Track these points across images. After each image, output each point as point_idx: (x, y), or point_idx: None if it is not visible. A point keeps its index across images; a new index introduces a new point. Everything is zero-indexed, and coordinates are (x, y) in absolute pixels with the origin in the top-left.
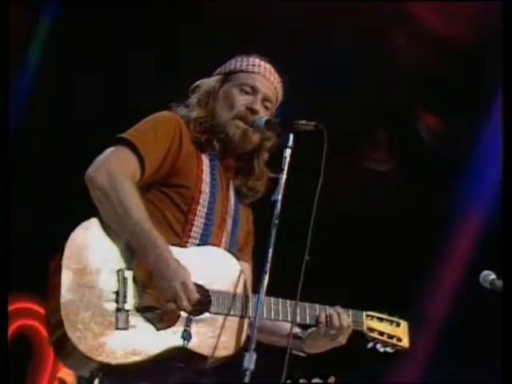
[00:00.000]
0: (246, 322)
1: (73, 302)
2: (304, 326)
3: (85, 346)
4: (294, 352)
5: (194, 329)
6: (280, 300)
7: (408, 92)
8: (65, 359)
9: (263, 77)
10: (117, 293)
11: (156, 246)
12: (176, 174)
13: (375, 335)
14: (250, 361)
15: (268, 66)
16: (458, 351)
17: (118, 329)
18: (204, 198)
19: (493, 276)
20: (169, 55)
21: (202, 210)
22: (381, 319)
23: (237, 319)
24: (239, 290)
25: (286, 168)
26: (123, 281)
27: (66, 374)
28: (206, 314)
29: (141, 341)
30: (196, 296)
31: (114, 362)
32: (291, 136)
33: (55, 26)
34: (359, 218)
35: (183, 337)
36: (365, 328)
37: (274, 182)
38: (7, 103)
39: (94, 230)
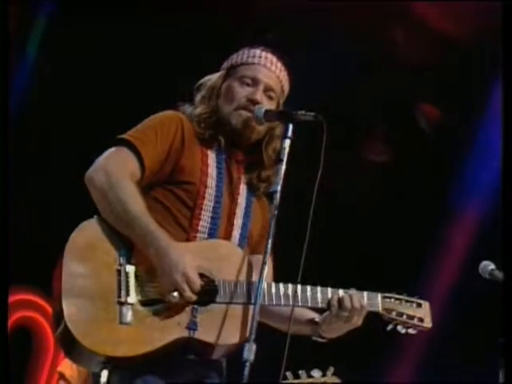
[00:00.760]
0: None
1: (75, 301)
2: (321, 311)
3: (89, 340)
4: (313, 338)
5: (200, 318)
6: (289, 285)
7: (407, 86)
8: (72, 356)
9: (264, 67)
10: (119, 287)
11: (155, 238)
12: (180, 171)
13: (393, 316)
14: (249, 352)
15: (270, 55)
16: (457, 346)
17: (121, 323)
18: (210, 193)
19: (492, 266)
20: (169, 54)
21: (208, 204)
22: (399, 300)
23: (243, 307)
24: (245, 278)
25: (285, 159)
26: (125, 275)
27: (65, 367)
28: (213, 304)
29: (146, 333)
30: (198, 286)
31: (119, 354)
32: (290, 126)
33: (52, 25)
34: (356, 212)
35: (188, 327)
36: (380, 309)
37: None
38: (7, 103)
39: (93, 230)
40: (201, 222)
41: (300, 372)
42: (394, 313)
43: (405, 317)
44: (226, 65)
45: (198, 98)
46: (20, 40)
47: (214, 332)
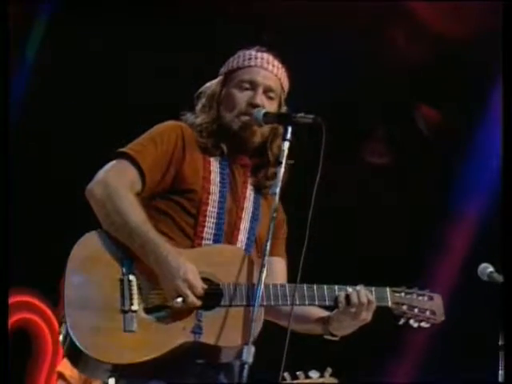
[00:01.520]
0: (262, 310)
1: (79, 313)
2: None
3: (94, 350)
4: (325, 337)
5: (205, 322)
6: (293, 285)
7: (407, 87)
8: (79, 366)
9: (261, 68)
10: (123, 296)
11: (155, 246)
12: (182, 179)
13: (404, 309)
14: (248, 354)
15: (266, 55)
16: (457, 347)
17: (126, 331)
18: (213, 199)
19: (491, 269)
20: (169, 55)
21: (212, 210)
22: (409, 293)
23: (249, 309)
24: (251, 281)
25: (284, 161)
26: (128, 284)
27: (64, 367)
28: (218, 307)
29: (151, 339)
30: (201, 290)
31: (125, 361)
32: (289, 129)
33: (52, 25)
34: (357, 213)
35: (194, 331)
36: (390, 303)
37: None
38: (7, 103)
39: (95, 242)
40: (205, 229)
41: (298, 373)
42: (404, 306)
43: (416, 310)
44: (223, 70)
45: (198, 106)
46: (20, 40)
47: (220, 335)
